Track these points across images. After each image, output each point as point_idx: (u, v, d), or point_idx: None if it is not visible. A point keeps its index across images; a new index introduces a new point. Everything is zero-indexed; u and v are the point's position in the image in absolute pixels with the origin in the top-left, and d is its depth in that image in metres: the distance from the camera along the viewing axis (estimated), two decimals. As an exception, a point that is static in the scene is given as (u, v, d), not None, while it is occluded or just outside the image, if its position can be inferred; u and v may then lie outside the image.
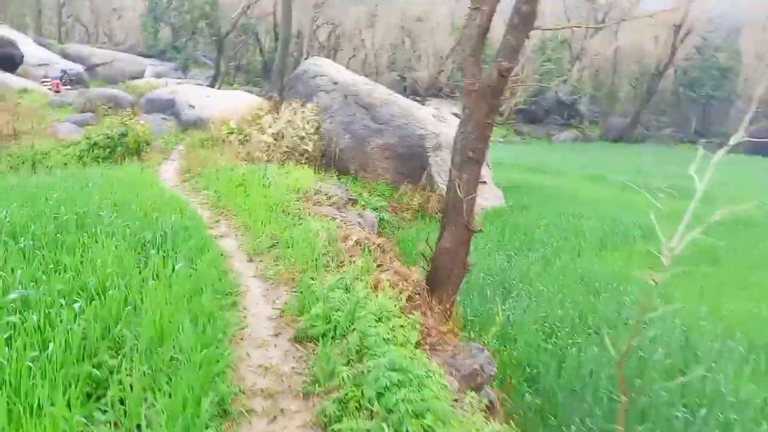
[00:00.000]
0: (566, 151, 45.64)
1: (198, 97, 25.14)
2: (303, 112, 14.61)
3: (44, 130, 16.60)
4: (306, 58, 60.44)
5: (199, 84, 38.58)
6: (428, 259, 7.67)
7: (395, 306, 4.75)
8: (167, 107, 24.67)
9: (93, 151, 15.64)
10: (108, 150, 15.77)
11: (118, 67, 44.68)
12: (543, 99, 60.95)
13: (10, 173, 14.11)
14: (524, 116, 62.01)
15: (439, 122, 18.00)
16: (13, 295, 3.46)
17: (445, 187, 17.20)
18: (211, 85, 39.14)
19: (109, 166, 15.32)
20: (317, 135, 14.29)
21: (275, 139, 13.54)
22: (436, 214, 15.92)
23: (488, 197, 18.24)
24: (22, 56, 30.34)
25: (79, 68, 36.36)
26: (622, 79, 64.30)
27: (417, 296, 5.84)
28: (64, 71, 34.82)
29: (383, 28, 65.27)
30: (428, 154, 16.29)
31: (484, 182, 18.50)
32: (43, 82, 28.53)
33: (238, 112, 19.64)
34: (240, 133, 13.50)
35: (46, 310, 3.46)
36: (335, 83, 18.07)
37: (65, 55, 40.26)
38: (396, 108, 17.04)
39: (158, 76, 45.88)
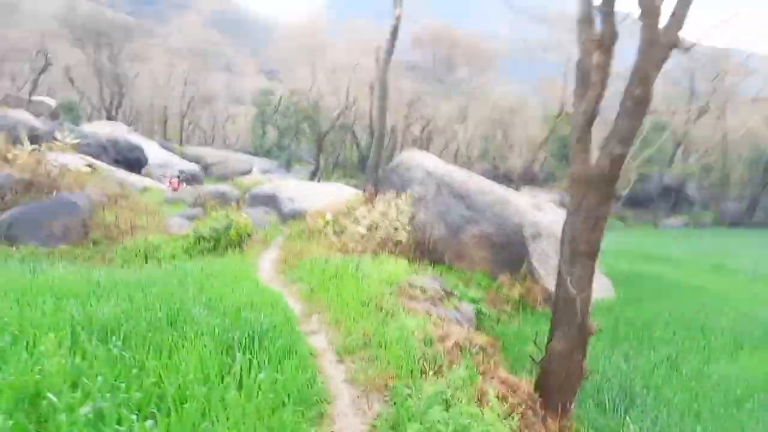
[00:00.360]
0: (676, 237, 42.27)
1: (297, 191, 26.23)
2: (397, 203, 14.56)
3: (158, 225, 17.81)
4: (399, 152, 62.65)
5: (300, 179, 40.71)
6: (537, 362, 6.79)
7: (506, 428, 4.00)
8: (269, 201, 25.89)
9: (200, 243, 16.38)
10: (213, 242, 16.46)
11: (229, 166, 48.48)
12: (648, 184, 58.12)
13: (123, 266, 15.04)
14: (628, 201, 59.17)
15: (537, 210, 17.23)
16: (85, 410, 3.20)
17: (546, 277, 16.14)
18: (311, 180, 41.07)
19: (212, 257, 15.95)
20: (411, 225, 14.07)
21: (369, 230, 13.47)
22: (539, 306, 14.82)
23: (596, 288, 16.74)
24: (147, 159, 33.74)
25: (195, 167, 39.78)
26: (734, 162, 60.02)
27: (529, 411, 5.01)
28: (181, 171, 38.37)
29: (475, 120, 66.62)
30: (527, 243, 15.45)
31: (590, 273, 17.17)
32: (164, 180, 31.40)
33: (335, 204, 20.07)
34: (335, 225, 13.62)
35: (117, 427, 3.15)
36: (429, 173, 18.05)
37: (184, 156, 44.44)
38: (492, 196, 16.58)
39: (264, 172, 49.18)
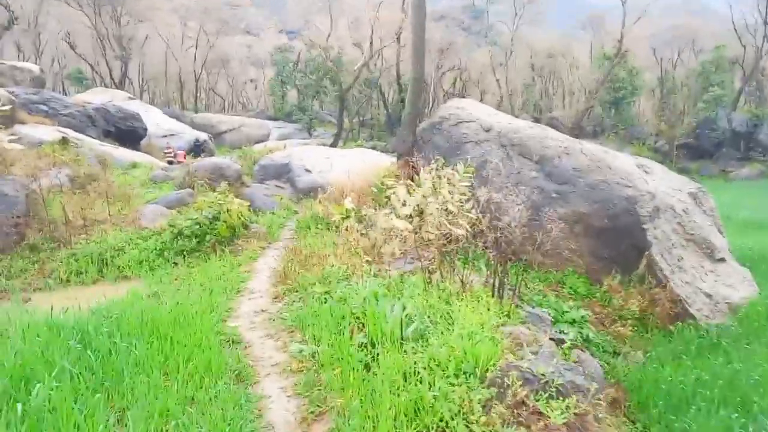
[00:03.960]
0: (756, 190, 36.13)
1: (316, 159, 21.54)
2: (449, 175, 9.75)
3: (127, 216, 13.48)
4: (431, 110, 57.07)
5: (322, 144, 35.96)
6: None
7: None
8: (282, 173, 21.32)
9: (178, 241, 11.96)
10: (196, 239, 12.01)
11: (245, 132, 44.04)
12: (712, 130, 51.20)
13: (67, 282, 10.75)
14: (689, 152, 52.47)
15: (645, 173, 12.14)
16: None
17: (675, 277, 11.17)
18: (333, 144, 36.36)
19: (193, 261, 11.54)
20: (472, 208, 9.30)
21: (411, 219, 8.77)
22: (669, 322, 9.95)
23: (733, 282, 11.77)
24: (145, 129, 29.43)
25: (203, 136, 35.37)
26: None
27: None
28: (198, 140, 34.02)
29: (513, 68, 60.14)
30: (644, 226, 10.46)
31: (722, 259, 12.13)
32: (165, 153, 27.10)
33: (363, 174, 15.35)
34: (360, 215, 9.00)
35: None
36: (487, 130, 13.07)
37: (193, 125, 40.03)
38: (582, 158, 11.55)
39: (283, 137, 44.58)
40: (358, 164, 17.50)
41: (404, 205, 8.72)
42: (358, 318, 5.88)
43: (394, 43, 47.57)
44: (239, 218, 12.52)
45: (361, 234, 8.82)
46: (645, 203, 10.65)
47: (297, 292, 8.00)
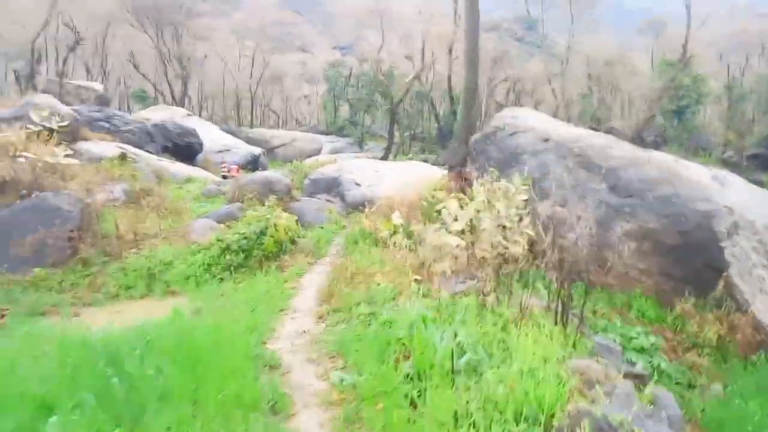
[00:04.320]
0: None
1: (365, 172, 21.28)
2: (505, 188, 9.14)
3: (178, 230, 13.53)
4: (483, 122, 56.15)
5: (372, 157, 35.80)
6: None
7: None
8: (332, 187, 21.15)
9: (225, 256, 11.84)
10: (243, 254, 11.85)
11: (297, 147, 44.53)
12: (787, 138, 47.75)
13: (116, 296, 10.77)
14: (761, 162, 49.13)
15: (720, 185, 11.09)
16: None
17: (756, 300, 10.05)
18: (384, 157, 36.13)
19: (240, 277, 11.37)
20: (531, 224, 8.65)
21: (463, 236, 8.22)
22: (751, 351, 8.91)
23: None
24: (201, 144, 30.06)
25: (257, 151, 35.89)
26: None
27: None
28: (254, 155, 34.58)
29: (569, 77, 58.39)
30: (722, 243, 9.48)
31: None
32: (221, 168, 27.59)
33: (412, 188, 14.90)
34: (408, 230, 8.50)
35: None
36: (545, 140, 12.36)
37: (248, 140, 40.75)
38: (651, 169, 10.67)
39: (335, 151, 44.80)
40: (409, 177, 17.06)
41: (456, 220, 8.18)
42: (404, 344, 5.37)
43: (446, 56, 47.12)
44: (286, 233, 12.29)
45: (410, 250, 8.32)
46: (722, 218, 9.67)
47: (341, 312, 7.58)
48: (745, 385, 7.85)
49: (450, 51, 47.02)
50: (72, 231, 11.57)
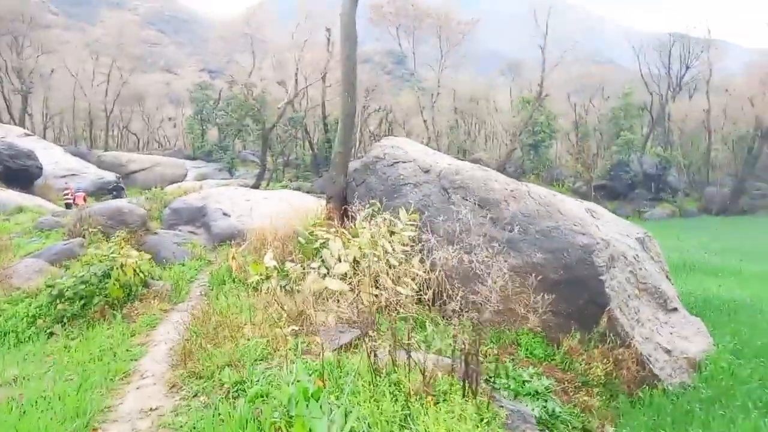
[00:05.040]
0: (676, 230, 37.55)
1: (235, 201, 19.64)
2: (392, 224, 8.37)
3: (-4, 274, 11.01)
4: (357, 149, 56.31)
5: (243, 184, 33.87)
6: None
7: None
8: (197, 217, 19.19)
9: (57, 305, 9.70)
10: (81, 302, 9.80)
11: (158, 172, 41.08)
12: (625, 172, 53.76)
13: None
14: (606, 193, 54.70)
15: (592, 218, 11.33)
16: None
17: (634, 332, 10.14)
18: (256, 185, 34.39)
19: (77, 331, 9.32)
20: (421, 264, 7.90)
21: (347, 279, 7.24)
22: (635, 386, 8.88)
23: (688, 334, 11.04)
24: (40, 168, 26.22)
25: (110, 176, 32.31)
26: (717, 144, 56.44)
27: None
28: (106, 180, 31.06)
29: (437, 110, 60.97)
30: (601, 277, 9.49)
31: (675, 309, 11.41)
32: (64, 195, 24.11)
33: (288, 218, 13.67)
34: (282, 275, 7.30)
35: None
36: (426, 171, 11.90)
37: (100, 164, 36.70)
38: (531, 203, 10.56)
39: (202, 177, 42.02)
40: (283, 207, 15.82)
41: (339, 261, 7.20)
42: (281, 430, 4.19)
43: (320, 83, 46.77)
44: (137, 275, 10.43)
45: (286, 293, 7.14)
46: (600, 252, 9.71)
47: (202, 378, 6.16)
48: (636, 426, 7.67)
49: (323, 78, 46.81)
50: None
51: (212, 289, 11.47)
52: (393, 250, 8.07)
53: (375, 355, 5.02)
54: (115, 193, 30.53)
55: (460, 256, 8.70)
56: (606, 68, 72.58)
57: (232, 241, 16.48)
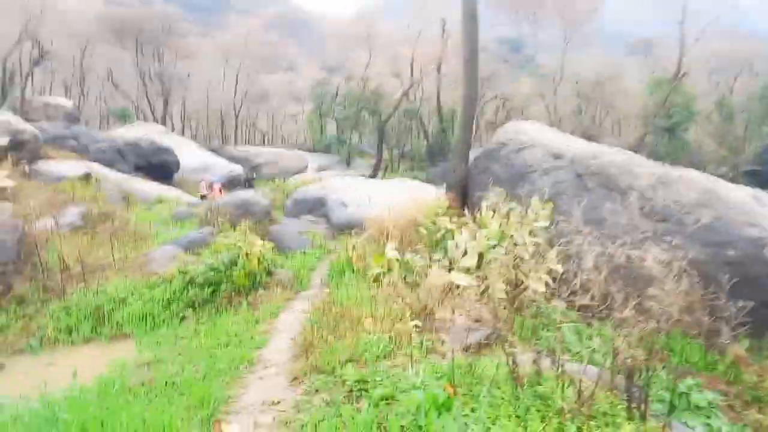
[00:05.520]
0: None
1: (353, 192, 19.68)
2: (523, 214, 7.60)
3: (136, 260, 11.76)
4: (473, 138, 55.02)
5: (360, 175, 34.27)
6: None
7: None
8: (317, 207, 19.52)
9: (189, 291, 10.10)
10: (209, 288, 10.13)
11: (282, 165, 42.91)
12: (781, 155, 47.13)
13: (55, 342, 8.96)
14: (756, 179, 48.30)
15: (764, 208, 9.62)
16: None
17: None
18: (372, 176, 34.68)
19: (206, 316, 9.62)
20: (555, 256, 7.07)
21: (474, 272, 6.63)
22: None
23: None
24: (177, 163, 28.31)
25: (238, 169, 34.23)
26: None
27: None
28: (239, 173, 33.06)
29: (560, 96, 57.69)
30: (777, 276, 7.96)
31: None
32: (201, 187, 25.85)
33: (406, 208, 13.30)
34: (406, 267, 6.89)
35: None
36: (558, 156, 10.86)
37: (230, 158, 39.06)
38: (685, 189, 9.17)
39: (321, 170, 43.27)
40: (401, 197, 15.46)
41: (465, 255, 6.58)
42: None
43: (434, 74, 46.16)
44: (261, 263, 10.58)
45: (406, 285, 6.69)
46: (776, 246, 8.17)
47: (323, 373, 5.87)
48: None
49: (438, 69, 46.13)
50: (5, 264, 9.77)
51: (332, 279, 11.39)
52: (524, 242, 7.29)
53: (514, 362, 4.36)
54: (247, 185, 32.18)
55: (623, 253, 7.72)
56: (752, 42, 64.16)
57: (351, 231, 16.47)
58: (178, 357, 7.45)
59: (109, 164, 23.11)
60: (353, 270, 11.53)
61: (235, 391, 5.89)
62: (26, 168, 17.75)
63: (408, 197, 15.70)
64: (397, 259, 6.51)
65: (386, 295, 7.63)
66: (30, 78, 36.72)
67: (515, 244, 7.20)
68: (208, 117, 66.33)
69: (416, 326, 6.40)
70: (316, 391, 5.57)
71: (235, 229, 12.76)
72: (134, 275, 10.92)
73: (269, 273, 10.99)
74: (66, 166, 20.10)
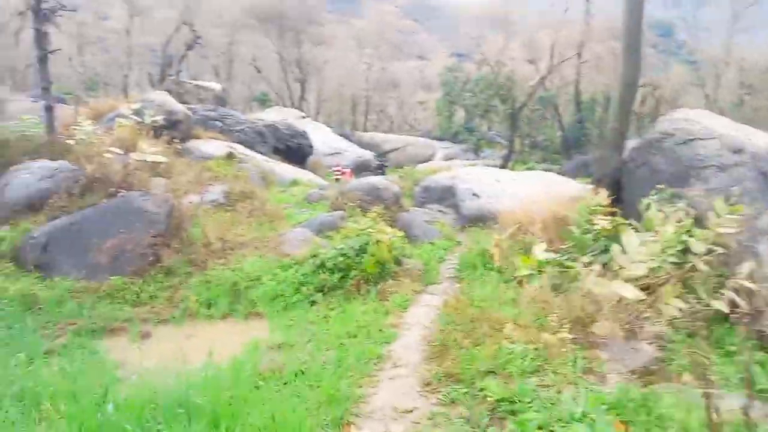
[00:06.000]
0: None
1: (484, 182, 18.81)
2: (701, 215, 6.41)
3: (270, 240, 12.03)
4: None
5: (491, 165, 33.12)
6: None
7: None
8: (446, 197, 18.93)
9: (319, 275, 10.06)
10: (339, 274, 10.00)
11: (409, 152, 42.93)
12: None
13: (198, 314, 9.32)
14: None
15: None
16: None
17: None
18: (503, 166, 33.33)
19: (335, 301, 9.50)
20: (747, 270, 5.84)
21: (642, 282, 5.64)
22: None
23: None
24: (311, 146, 29.23)
25: (367, 154, 34.69)
26: None
27: None
28: (379, 159, 33.75)
29: (717, 85, 51.43)
30: None
31: None
32: (334, 171, 26.51)
33: (544, 202, 12.26)
34: (560, 271, 6.05)
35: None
36: (738, 151, 9.25)
37: (360, 143, 39.78)
38: None
39: (448, 158, 42.64)
40: (537, 190, 14.40)
41: (636, 258, 5.62)
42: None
43: (574, 60, 43.28)
44: (390, 252, 10.25)
45: (552, 289, 5.86)
46: None
47: (460, 383, 5.31)
48: None
49: (579, 54, 43.23)
50: (156, 236, 10.39)
51: (462, 273, 10.79)
52: (702, 251, 6.13)
53: (712, 407, 3.45)
54: (378, 171, 32.46)
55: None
56: None
57: (482, 224, 15.71)
58: (308, 343, 7.31)
59: (250, 145, 24.34)
60: (484, 265, 10.84)
61: (364, 390, 5.53)
62: (178, 146, 19.09)
63: (546, 191, 14.56)
64: (548, 261, 5.73)
65: (530, 299, 6.85)
66: (185, 63, 40.06)
67: (692, 253, 6.07)
68: (340, 103, 68.46)
69: (570, 339, 5.62)
70: (452, 402, 5.03)
71: (364, 215, 12.59)
72: (268, 255, 11.14)
73: (398, 262, 10.64)
74: (212, 146, 21.43)
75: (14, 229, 10.43)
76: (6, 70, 48.08)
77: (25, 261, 9.68)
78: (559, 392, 4.68)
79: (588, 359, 5.48)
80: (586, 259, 7.22)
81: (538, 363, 5.41)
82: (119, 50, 52.24)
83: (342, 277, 10.01)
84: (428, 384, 5.57)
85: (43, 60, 14.36)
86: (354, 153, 33.93)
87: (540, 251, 5.82)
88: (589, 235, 7.59)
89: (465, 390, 5.14)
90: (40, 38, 14.45)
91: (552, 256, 5.90)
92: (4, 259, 9.81)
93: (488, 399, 4.74)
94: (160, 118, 13.93)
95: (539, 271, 5.68)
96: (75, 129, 12.54)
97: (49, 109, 14.31)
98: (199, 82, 32.12)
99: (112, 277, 9.62)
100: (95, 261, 9.68)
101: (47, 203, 10.83)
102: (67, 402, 4.82)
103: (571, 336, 5.63)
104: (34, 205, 10.94)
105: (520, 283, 7.03)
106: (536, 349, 5.67)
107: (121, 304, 9.23)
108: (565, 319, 5.92)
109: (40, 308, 8.65)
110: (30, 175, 11.49)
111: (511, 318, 6.49)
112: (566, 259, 7.05)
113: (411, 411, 4.98)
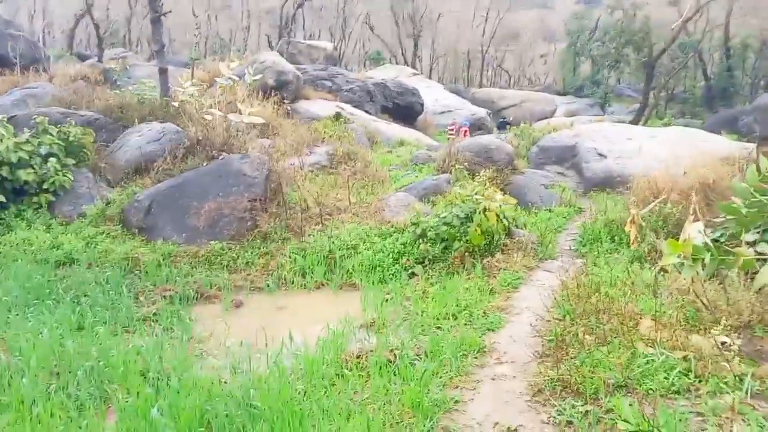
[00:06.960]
0: None
1: (613, 140, 16.69)
2: None
3: (370, 205, 11.32)
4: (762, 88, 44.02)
5: (618, 121, 29.89)
6: None
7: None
8: (566, 157, 17.11)
9: (419, 245, 9.22)
10: (442, 245, 9.09)
11: (527, 108, 40.16)
12: None
13: (292, 283, 8.91)
14: None
15: None
16: None
17: None
18: (635, 121, 29.94)
19: (436, 275, 8.63)
20: None
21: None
22: None
23: None
24: (422, 104, 28.11)
25: (481, 112, 32.86)
26: None
27: None
28: (502, 117, 31.80)
29: None
30: None
31: None
32: (449, 130, 25.31)
33: (688, 164, 10.35)
34: (721, 259, 4.67)
35: None
36: None
37: (474, 101, 37.89)
38: None
39: (570, 114, 39.34)
40: (681, 150, 12.29)
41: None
42: None
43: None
44: (500, 221, 9.08)
45: (710, 281, 4.46)
46: None
47: (581, 396, 4.21)
48: None
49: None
50: (253, 200, 10.10)
51: (584, 247, 9.38)
52: None
53: None
54: (502, 129, 30.44)
55: None
56: None
57: (609, 188, 13.89)
58: (401, 324, 6.54)
59: (358, 105, 23.83)
60: (612, 238, 9.33)
61: (460, 392, 4.62)
62: (288, 107, 18.97)
63: (691, 151, 12.39)
64: (707, 247, 4.33)
65: (673, 289, 5.45)
66: (302, 23, 40.29)
67: None
68: (454, 59, 65.98)
69: (726, 344, 4.26)
70: (569, 423, 3.96)
71: (473, 178, 11.44)
72: (368, 221, 10.46)
73: (509, 233, 9.46)
74: (319, 106, 21.17)
75: (122, 192, 10.70)
76: (144, 38, 52.37)
77: (130, 224, 9.86)
78: (719, 426, 3.45)
79: (762, 379, 4.10)
80: (750, 237, 5.63)
81: (689, 380, 4.14)
82: (243, 15, 54.37)
83: (444, 249, 9.09)
84: (539, 391, 4.52)
85: (156, 22, 14.57)
86: (467, 110, 32.28)
87: (695, 232, 4.45)
88: (755, 210, 5.91)
89: (586, 408, 4.04)
90: (153, 1, 14.65)
91: (707, 239, 4.49)
92: (113, 222, 10.08)
93: (617, 427, 3.62)
94: (258, 78, 13.54)
95: (694, 258, 4.33)
96: (178, 91, 12.57)
97: (162, 72, 14.60)
98: (311, 42, 32.04)
99: (211, 242, 9.50)
100: (195, 225, 9.60)
101: (153, 166, 10.98)
102: (132, 387, 4.47)
103: (735, 342, 4.25)
104: (141, 168, 11.17)
105: (662, 270, 5.63)
106: (685, 358, 4.38)
107: (218, 270, 9.07)
108: (728, 319, 4.52)
109: (140, 272, 8.71)
110: (140, 137, 11.73)
111: (650, 312, 5.18)
112: (725, 240, 5.53)
113: (515, 430, 4.00)
